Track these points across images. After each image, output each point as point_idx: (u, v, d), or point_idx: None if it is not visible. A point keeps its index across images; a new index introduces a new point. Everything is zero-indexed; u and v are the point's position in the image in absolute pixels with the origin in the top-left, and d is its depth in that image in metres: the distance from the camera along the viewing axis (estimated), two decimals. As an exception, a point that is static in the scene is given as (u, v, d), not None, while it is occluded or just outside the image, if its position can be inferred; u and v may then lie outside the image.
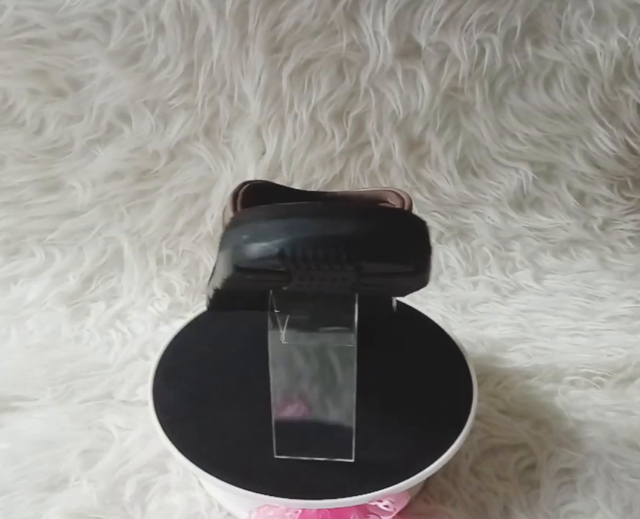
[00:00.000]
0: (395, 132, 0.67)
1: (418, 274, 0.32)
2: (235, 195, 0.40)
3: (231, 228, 0.32)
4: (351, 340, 0.36)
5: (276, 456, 0.40)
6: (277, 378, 0.38)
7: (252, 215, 0.31)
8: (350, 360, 0.37)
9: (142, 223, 0.66)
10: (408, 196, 0.42)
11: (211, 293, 0.41)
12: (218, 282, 0.36)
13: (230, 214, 0.39)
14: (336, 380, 0.38)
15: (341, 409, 0.39)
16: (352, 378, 0.37)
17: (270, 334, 0.36)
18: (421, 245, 0.32)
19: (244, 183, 0.42)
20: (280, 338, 0.36)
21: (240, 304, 0.42)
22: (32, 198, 0.65)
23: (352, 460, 0.40)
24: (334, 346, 0.36)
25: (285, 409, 0.39)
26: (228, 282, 0.33)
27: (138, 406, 0.51)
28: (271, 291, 0.36)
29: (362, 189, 0.47)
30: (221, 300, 0.41)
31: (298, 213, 0.30)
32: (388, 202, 0.43)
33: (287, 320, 0.36)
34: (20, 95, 0.62)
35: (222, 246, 0.33)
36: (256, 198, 0.41)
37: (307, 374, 0.38)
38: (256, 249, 0.30)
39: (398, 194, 0.42)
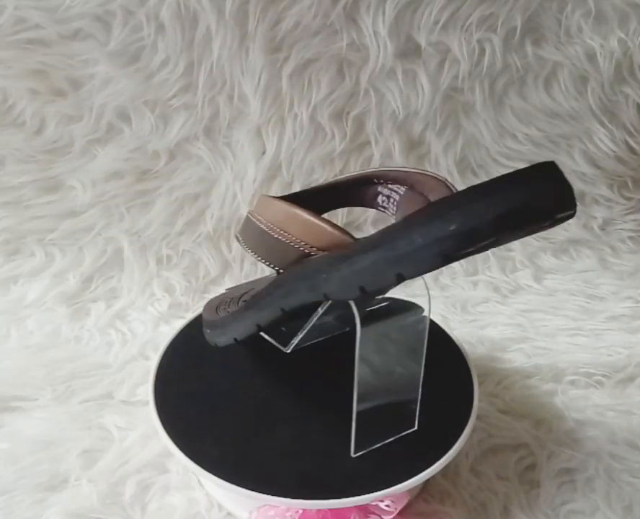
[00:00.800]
0: (395, 132, 0.67)
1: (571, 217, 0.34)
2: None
3: (414, 228, 0.31)
4: (424, 312, 0.39)
5: (353, 455, 0.40)
6: (363, 370, 0.38)
7: (440, 207, 0.31)
8: (423, 331, 0.40)
9: (142, 223, 0.66)
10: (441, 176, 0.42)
11: (276, 314, 0.40)
12: (360, 288, 0.34)
13: (282, 207, 0.39)
14: (409, 357, 0.40)
15: (412, 384, 0.41)
16: (423, 349, 0.40)
17: (362, 330, 0.37)
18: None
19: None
20: (374, 329, 0.38)
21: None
22: (32, 198, 0.65)
23: (415, 428, 0.42)
24: (414, 321, 0.40)
25: (366, 399, 0.40)
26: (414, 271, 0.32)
27: (138, 406, 0.51)
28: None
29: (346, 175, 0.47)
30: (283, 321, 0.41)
31: (497, 186, 0.31)
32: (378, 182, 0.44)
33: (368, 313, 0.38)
34: (20, 95, 0.62)
35: (400, 247, 0.31)
36: None
37: (388, 359, 0.40)
38: (473, 232, 0.30)
39: (435, 178, 0.41)
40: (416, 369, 0.41)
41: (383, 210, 0.44)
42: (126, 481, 0.45)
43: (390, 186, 0.43)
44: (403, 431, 0.42)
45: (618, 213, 0.74)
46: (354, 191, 0.45)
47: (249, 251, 0.42)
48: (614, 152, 0.71)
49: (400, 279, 0.32)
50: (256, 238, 0.41)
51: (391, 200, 0.43)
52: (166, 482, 0.45)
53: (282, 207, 0.40)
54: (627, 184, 0.74)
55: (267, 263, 0.40)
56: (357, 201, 0.45)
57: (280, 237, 0.39)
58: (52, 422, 0.50)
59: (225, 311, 0.46)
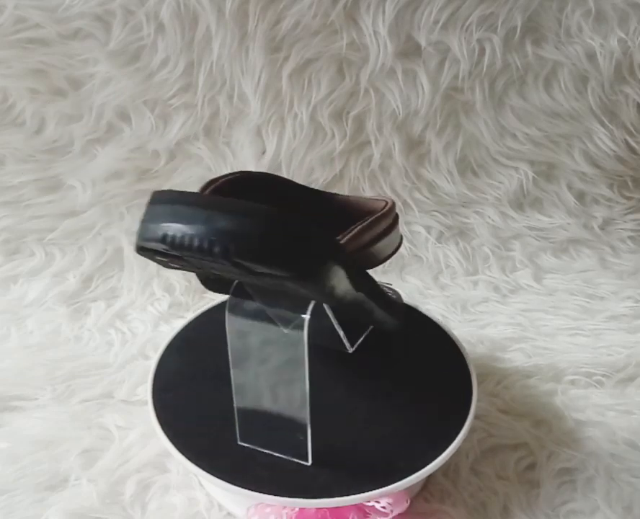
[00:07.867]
0: (395, 131, 0.67)
1: (303, 280, 0.31)
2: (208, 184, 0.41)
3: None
4: (301, 326, 0.36)
5: (239, 443, 0.41)
6: (234, 362, 0.38)
7: (152, 197, 0.33)
8: (299, 348, 0.36)
9: (142, 222, 0.66)
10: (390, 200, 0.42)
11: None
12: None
13: None
14: (287, 370, 0.38)
15: (292, 403, 0.38)
16: (302, 368, 0.37)
17: (227, 317, 0.37)
18: (299, 250, 0.30)
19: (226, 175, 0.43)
20: (235, 323, 0.37)
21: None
22: (32, 198, 0.65)
23: (309, 464, 0.40)
24: (283, 329, 0.36)
25: (246, 397, 0.39)
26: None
27: (138, 406, 0.51)
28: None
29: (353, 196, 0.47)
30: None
31: (183, 201, 0.31)
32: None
33: (243, 304, 0.37)
34: (20, 95, 0.62)
35: None
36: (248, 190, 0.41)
37: (268, 366, 0.38)
38: (145, 230, 0.32)
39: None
40: (301, 388, 0.38)
41: None
42: (126, 481, 0.45)
43: None
44: (295, 457, 0.40)
45: (618, 213, 0.74)
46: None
47: None
48: (614, 152, 0.71)
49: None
50: None
51: None
52: (166, 482, 0.45)
53: None
54: (627, 183, 0.74)
55: None
56: None
57: None
58: (52, 422, 0.50)
59: None
